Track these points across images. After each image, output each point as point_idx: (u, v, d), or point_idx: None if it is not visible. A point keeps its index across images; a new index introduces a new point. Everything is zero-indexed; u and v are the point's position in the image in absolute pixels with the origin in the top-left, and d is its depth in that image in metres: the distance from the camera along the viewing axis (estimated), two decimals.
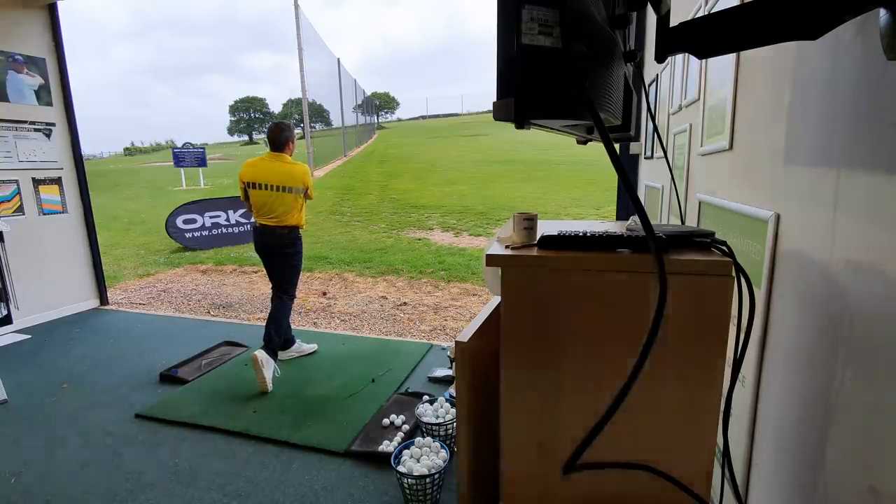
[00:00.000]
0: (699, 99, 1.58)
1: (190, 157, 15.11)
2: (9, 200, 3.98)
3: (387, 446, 2.18)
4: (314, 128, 22.66)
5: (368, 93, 43.59)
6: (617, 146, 0.97)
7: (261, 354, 2.78)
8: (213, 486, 2.00)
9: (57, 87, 4.30)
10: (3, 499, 1.95)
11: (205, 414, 2.55)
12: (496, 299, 1.29)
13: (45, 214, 4.23)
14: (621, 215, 3.41)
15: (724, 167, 1.32)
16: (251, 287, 5.60)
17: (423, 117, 61.65)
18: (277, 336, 2.94)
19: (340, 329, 4.10)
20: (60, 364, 3.29)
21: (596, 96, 0.69)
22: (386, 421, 2.41)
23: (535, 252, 0.98)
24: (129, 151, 52.94)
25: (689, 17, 1.54)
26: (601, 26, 0.70)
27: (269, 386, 2.78)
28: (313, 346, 3.37)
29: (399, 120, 69.01)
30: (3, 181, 3.94)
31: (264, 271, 2.90)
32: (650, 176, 2.70)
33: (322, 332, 3.94)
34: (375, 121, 46.80)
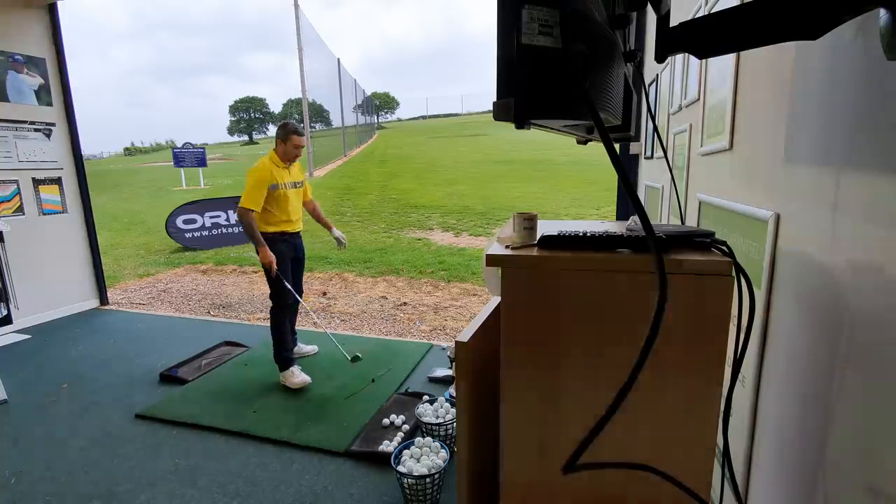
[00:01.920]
0: (699, 99, 1.58)
1: (190, 157, 15.11)
2: (9, 200, 3.98)
3: (387, 446, 2.18)
4: (314, 128, 22.63)
5: (368, 93, 43.56)
6: (617, 146, 0.97)
7: (280, 376, 2.89)
8: (213, 486, 2.00)
9: (57, 87, 4.30)
10: (4, 499, 1.95)
11: (205, 414, 2.55)
12: (496, 299, 1.29)
13: (45, 214, 4.23)
14: (621, 215, 3.41)
15: (724, 167, 1.32)
16: (251, 287, 5.60)
17: (423, 117, 61.66)
18: (277, 348, 2.88)
19: (340, 329, 4.10)
20: (60, 364, 3.30)
21: (596, 96, 0.69)
22: (386, 421, 2.41)
23: (535, 252, 0.98)
24: (129, 151, 52.95)
25: (689, 17, 1.54)
26: (601, 26, 0.70)
27: (306, 379, 2.86)
28: (314, 349, 3.37)
29: (399, 120, 69.00)
30: (3, 181, 3.94)
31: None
32: (650, 176, 2.69)
33: (322, 332, 3.94)
34: (375, 121, 46.77)
